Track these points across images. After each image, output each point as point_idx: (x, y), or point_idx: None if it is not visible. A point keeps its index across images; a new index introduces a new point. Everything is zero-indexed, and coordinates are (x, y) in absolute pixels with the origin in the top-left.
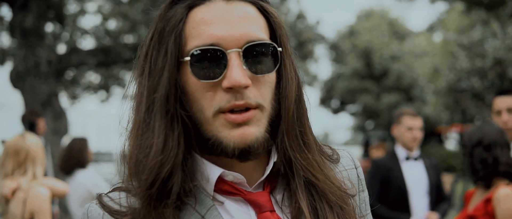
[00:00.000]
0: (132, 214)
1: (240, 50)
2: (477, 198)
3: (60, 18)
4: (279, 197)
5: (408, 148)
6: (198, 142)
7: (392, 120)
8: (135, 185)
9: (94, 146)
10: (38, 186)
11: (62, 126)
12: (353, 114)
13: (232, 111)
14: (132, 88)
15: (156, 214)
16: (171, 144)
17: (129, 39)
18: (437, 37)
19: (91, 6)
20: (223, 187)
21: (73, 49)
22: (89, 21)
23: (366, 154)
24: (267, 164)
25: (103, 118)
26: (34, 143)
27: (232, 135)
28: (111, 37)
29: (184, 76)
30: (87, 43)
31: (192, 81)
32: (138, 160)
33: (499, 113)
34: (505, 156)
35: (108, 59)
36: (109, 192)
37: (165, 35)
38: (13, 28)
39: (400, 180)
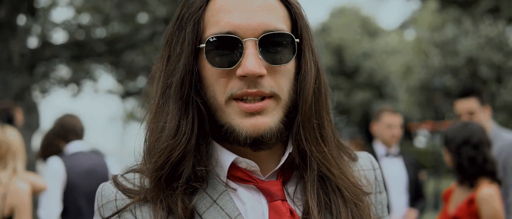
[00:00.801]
0: (144, 193)
1: (256, 39)
2: (458, 197)
3: (32, 10)
4: (291, 189)
5: (388, 145)
6: (212, 128)
7: (372, 117)
8: (148, 166)
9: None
10: (19, 181)
11: (34, 121)
12: None
13: (245, 99)
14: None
15: (164, 195)
16: (183, 128)
17: (102, 33)
18: (409, 35)
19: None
20: (237, 174)
21: (45, 43)
22: (61, 14)
23: None
24: (282, 155)
25: (74, 112)
26: (15, 136)
27: (245, 124)
28: (83, 30)
29: (200, 62)
30: (59, 37)
31: (208, 68)
32: (151, 142)
33: (460, 116)
34: (491, 155)
35: (81, 53)
36: (125, 173)
37: (184, 22)
38: None
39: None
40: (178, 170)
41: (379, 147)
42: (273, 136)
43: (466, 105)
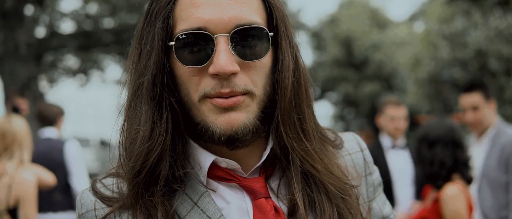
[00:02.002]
0: (122, 200)
1: (228, 35)
2: (430, 196)
3: (39, 0)
4: (275, 184)
5: (393, 137)
6: (188, 127)
7: (377, 109)
8: (125, 170)
9: (72, 131)
10: (25, 171)
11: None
12: (333, 103)
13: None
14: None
15: (143, 201)
16: (158, 130)
17: (109, 23)
18: (418, 27)
19: None
20: (218, 173)
21: (53, 33)
22: (69, 4)
23: None
24: (264, 150)
25: (82, 102)
26: (21, 126)
27: (219, 120)
28: (91, 20)
29: (172, 60)
30: (67, 27)
31: (179, 66)
32: (126, 146)
33: (464, 111)
34: (463, 155)
35: (89, 43)
36: (104, 177)
37: (154, 17)
38: None
39: (384, 169)
40: (155, 172)
41: (385, 139)
42: (248, 132)
43: (470, 100)
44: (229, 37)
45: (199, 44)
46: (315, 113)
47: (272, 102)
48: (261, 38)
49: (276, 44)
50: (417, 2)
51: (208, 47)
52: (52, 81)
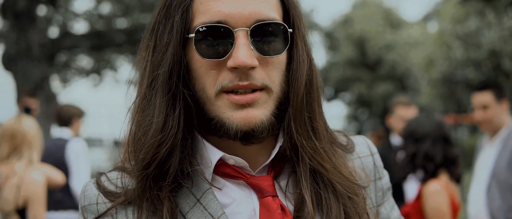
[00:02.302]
0: (125, 195)
1: (248, 29)
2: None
3: (52, 1)
4: (283, 183)
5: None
6: (201, 122)
7: (388, 109)
8: (132, 163)
9: (85, 131)
10: (34, 172)
11: (53, 110)
12: (346, 103)
13: (236, 92)
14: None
15: (150, 195)
16: (171, 123)
17: (122, 23)
18: (432, 27)
19: None
20: (225, 170)
21: (65, 33)
22: (82, 4)
23: None
24: (273, 148)
25: (95, 103)
26: (31, 126)
27: (235, 117)
28: (104, 21)
29: (189, 53)
30: (80, 27)
31: (197, 59)
32: (137, 137)
33: (475, 109)
34: (451, 151)
35: (101, 43)
36: (110, 171)
37: (172, 10)
38: (5, 10)
39: (394, 168)
40: (164, 166)
41: (395, 139)
42: (265, 129)
43: (481, 99)
44: (249, 32)
45: (219, 38)
46: (324, 113)
47: (286, 99)
48: (280, 34)
49: (291, 42)
50: (431, 2)
51: (227, 41)
52: (65, 81)
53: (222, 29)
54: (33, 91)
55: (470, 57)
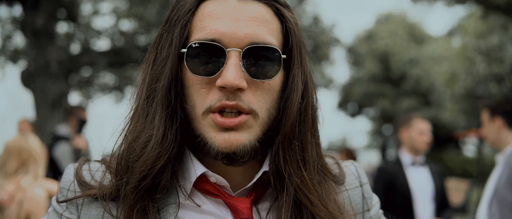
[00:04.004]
0: (99, 189)
1: (241, 50)
2: None
3: (72, 17)
4: (264, 208)
5: (415, 153)
6: (189, 138)
7: (400, 123)
8: (124, 171)
9: (108, 147)
10: (36, 187)
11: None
12: (370, 118)
13: (222, 112)
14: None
15: (141, 206)
16: (169, 137)
17: (143, 40)
18: (457, 42)
19: (105, 7)
20: (206, 187)
21: (84, 50)
22: (104, 22)
23: (384, 158)
24: (258, 171)
25: (118, 119)
26: (36, 144)
27: (218, 138)
28: (124, 38)
29: (183, 68)
30: (102, 44)
31: (189, 76)
32: (132, 147)
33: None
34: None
35: (119, 59)
36: (95, 161)
37: (173, 24)
38: (24, 28)
39: (404, 186)
40: (157, 180)
41: (405, 156)
42: (246, 154)
43: (482, 117)
44: (241, 53)
45: (211, 56)
46: (320, 144)
47: (276, 126)
48: (273, 59)
49: (288, 69)
50: (455, 16)
51: (219, 59)
52: (88, 97)
53: (215, 48)
54: (84, 105)
55: (493, 72)
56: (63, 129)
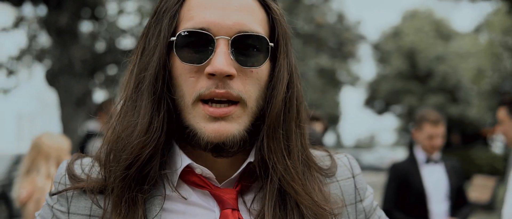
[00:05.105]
0: (87, 182)
1: (229, 38)
2: None
3: (96, 17)
4: (249, 198)
5: (429, 151)
6: (177, 129)
7: (414, 122)
8: (112, 162)
9: None
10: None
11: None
12: (397, 115)
13: (212, 102)
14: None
15: (129, 196)
16: (155, 125)
17: None
18: (484, 38)
19: (130, 6)
20: (192, 178)
21: (109, 48)
22: (129, 20)
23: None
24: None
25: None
26: (52, 140)
27: (207, 129)
28: None
29: (172, 58)
30: (127, 43)
31: (178, 66)
32: (120, 137)
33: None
34: None
35: None
36: (89, 156)
37: (161, 15)
38: (48, 27)
39: (418, 184)
40: (145, 170)
41: (419, 153)
42: (236, 144)
43: (498, 114)
44: (229, 41)
45: (200, 44)
46: (305, 135)
47: (263, 116)
48: (261, 48)
49: (274, 59)
50: (482, 12)
51: (208, 48)
52: (114, 95)
53: (203, 36)
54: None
55: None
56: (93, 125)
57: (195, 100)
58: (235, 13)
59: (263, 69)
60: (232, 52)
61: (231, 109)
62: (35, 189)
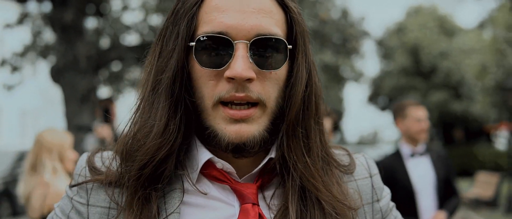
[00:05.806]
0: (106, 175)
1: (248, 42)
2: None
3: (101, 13)
4: (268, 194)
5: (413, 143)
6: (197, 130)
7: (394, 113)
8: (127, 161)
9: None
10: (59, 181)
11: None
12: None
13: (232, 104)
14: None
15: (142, 194)
16: (171, 127)
17: None
18: (488, 34)
19: (134, 2)
20: (212, 173)
21: (113, 45)
22: (134, 17)
23: None
24: (264, 159)
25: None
26: (53, 136)
27: (228, 130)
28: (153, 33)
29: (191, 61)
30: (132, 39)
31: (197, 68)
32: (136, 138)
33: None
34: None
35: (146, 55)
36: (111, 149)
37: (179, 17)
38: (53, 24)
39: (405, 180)
40: (160, 169)
41: (404, 147)
42: (256, 144)
43: None
44: (248, 45)
45: (219, 48)
46: (324, 132)
47: (282, 114)
48: (279, 50)
49: (292, 58)
50: (485, 9)
51: (227, 52)
52: (118, 92)
53: (222, 40)
54: (113, 97)
55: None
56: (86, 119)
57: (215, 103)
58: (253, 15)
59: (282, 69)
60: (250, 55)
61: (251, 111)
62: (43, 184)
